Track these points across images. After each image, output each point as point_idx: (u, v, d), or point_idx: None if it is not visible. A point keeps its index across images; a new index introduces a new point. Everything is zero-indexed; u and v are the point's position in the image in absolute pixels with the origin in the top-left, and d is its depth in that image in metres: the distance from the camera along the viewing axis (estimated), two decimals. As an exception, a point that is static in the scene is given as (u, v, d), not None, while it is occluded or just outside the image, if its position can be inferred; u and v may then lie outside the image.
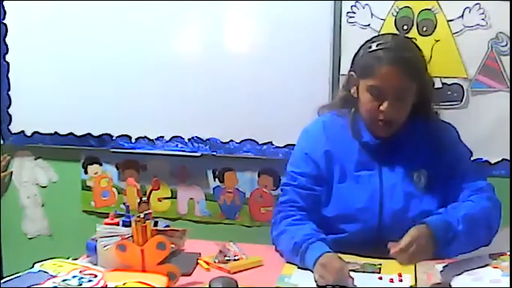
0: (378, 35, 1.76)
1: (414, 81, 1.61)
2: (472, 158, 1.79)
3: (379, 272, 1.50)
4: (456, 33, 2.23)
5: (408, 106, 1.64)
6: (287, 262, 1.59)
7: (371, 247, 1.60)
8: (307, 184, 1.69)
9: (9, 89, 2.68)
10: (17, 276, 1.43)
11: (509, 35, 2.19)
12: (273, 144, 2.46)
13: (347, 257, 1.60)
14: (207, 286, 1.38)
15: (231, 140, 2.50)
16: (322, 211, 1.70)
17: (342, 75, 2.31)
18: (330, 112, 1.79)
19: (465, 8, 2.22)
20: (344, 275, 1.41)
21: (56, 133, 2.66)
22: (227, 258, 1.58)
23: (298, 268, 1.55)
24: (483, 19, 2.21)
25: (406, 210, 1.63)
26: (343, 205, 1.66)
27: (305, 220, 1.64)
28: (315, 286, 1.44)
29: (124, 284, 1.33)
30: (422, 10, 2.25)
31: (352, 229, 1.66)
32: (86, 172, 2.72)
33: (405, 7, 2.26)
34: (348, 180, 1.68)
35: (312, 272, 1.48)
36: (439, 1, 2.24)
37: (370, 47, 1.63)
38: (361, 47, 1.69)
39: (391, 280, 1.44)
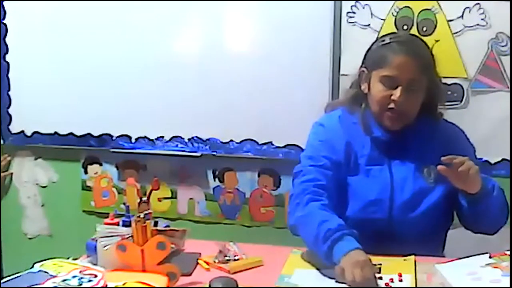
0: (391, 33, 1.81)
1: (424, 75, 1.64)
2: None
3: (379, 272, 1.50)
4: (456, 33, 2.24)
5: (418, 101, 1.66)
6: (308, 250, 1.58)
7: (381, 239, 1.61)
8: (332, 166, 1.67)
9: (9, 89, 2.68)
10: (17, 276, 1.42)
11: (509, 35, 2.19)
12: (273, 144, 2.46)
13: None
14: (207, 286, 1.38)
15: (231, 140, 2.50)
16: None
17: (342, 75, 2.31)
18: (340, 108, 1.80)
19: (465, 8, 2.22)
20: (371, 280, 1.40)
21: (56, 133, 2.66)
22: (227, 258, 1.57)
23: (318, 261, 1.51)
24: (483, 19, 2.21)
25: (416, 203, 1.65)
26: (355, 197, 1.68)
27: (332, 210, 1.58)
28: (320, 286, 1.44)
29: (124, 284, 1.33)
30: (422, 10, 2.26)
31: (363, 220, 1.66)
32: (86, 172, 2.72)
33: (405, 7, 2.27)
34: (360, 173, 1.70)
35: (334, 263, 1.43)
36: (439, 1, 2.24)
37: (384, 40, 1.68)
38: (373, 43, 1.73)
39: (391, 280, 1.44)
